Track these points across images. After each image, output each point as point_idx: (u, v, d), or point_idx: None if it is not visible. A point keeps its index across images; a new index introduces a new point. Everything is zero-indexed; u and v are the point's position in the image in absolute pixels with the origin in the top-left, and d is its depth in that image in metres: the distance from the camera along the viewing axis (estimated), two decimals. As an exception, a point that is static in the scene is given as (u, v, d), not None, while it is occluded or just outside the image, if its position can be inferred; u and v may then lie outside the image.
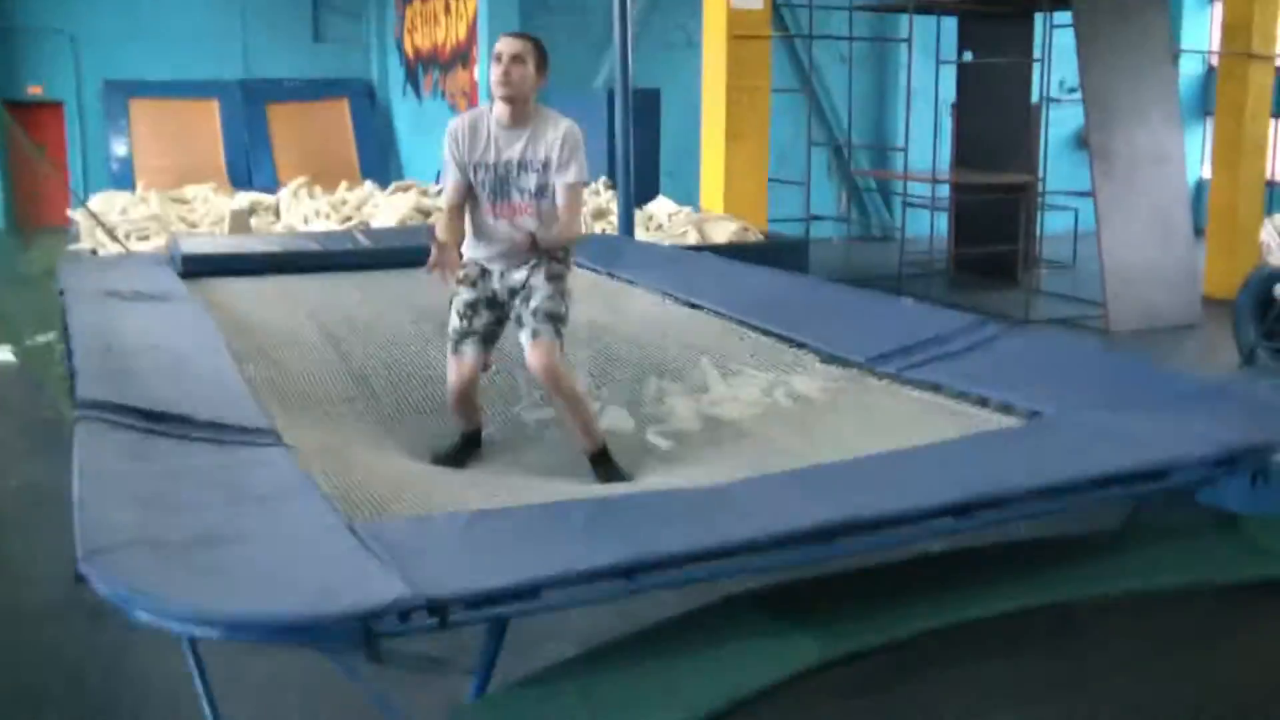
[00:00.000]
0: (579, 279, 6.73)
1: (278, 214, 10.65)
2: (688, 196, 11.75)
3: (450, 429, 4.39)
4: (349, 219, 9.48)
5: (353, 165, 18.09)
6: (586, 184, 4.62)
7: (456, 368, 4.27)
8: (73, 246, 8.62)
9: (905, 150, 10.99)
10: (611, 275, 6.66)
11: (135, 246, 8.61)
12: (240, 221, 8.56)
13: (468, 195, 4.24)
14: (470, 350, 4.24)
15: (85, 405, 3.40)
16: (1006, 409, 3.83)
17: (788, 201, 12.26)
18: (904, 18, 11.41)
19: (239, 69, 18.29)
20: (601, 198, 11.11)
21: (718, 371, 4.88)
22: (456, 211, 4.25)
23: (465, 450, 4.32)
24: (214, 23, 18.17)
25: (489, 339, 4.32)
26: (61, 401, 5.10)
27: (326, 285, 6.36)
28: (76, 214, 9.10)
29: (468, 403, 4.32)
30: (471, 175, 4.20)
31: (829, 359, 4.77)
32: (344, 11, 19.21)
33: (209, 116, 17.74)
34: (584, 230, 3.85)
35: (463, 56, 16.43)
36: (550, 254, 4.23)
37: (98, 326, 4.67)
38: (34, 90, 17.16)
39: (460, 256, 4.21)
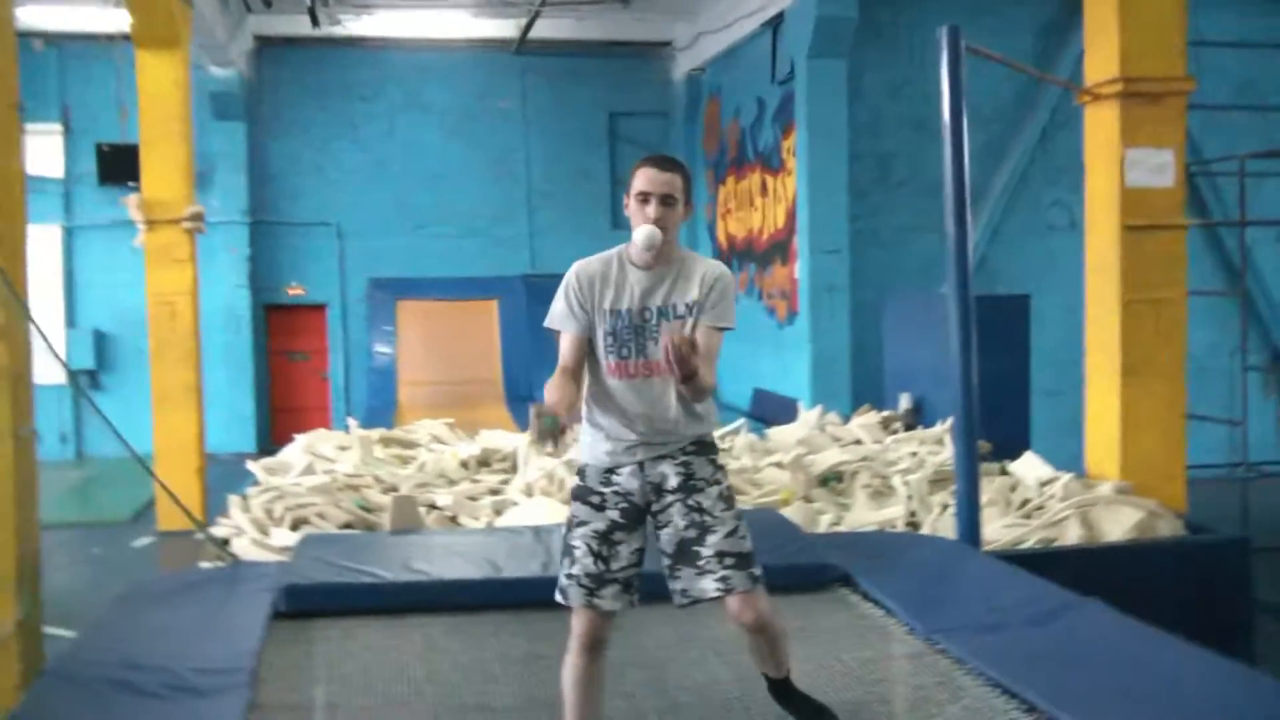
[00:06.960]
0: (863, 632, 4.22)
1: (515, 468, 7.98)
2: (1075, 431, 8.16)
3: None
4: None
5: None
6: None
7: (587, 623, 3.14)
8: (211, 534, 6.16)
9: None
10: (924, 638, 4.11)
11: (281, 540, 6.13)
12: (405, 512, 5.89)
13: (585, 358, 3.28)
14: (610, 600, 3.15)
15: None
16: None
17: (1206, 438, 8.64)
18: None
19: (524, 263, 16.38)
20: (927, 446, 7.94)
21: None
22: (571, 375, 3.22)
23: None
24: (495, 209, 16.41)
25: (636, 578, 3.20)
26: None
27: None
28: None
29: (592, 686, 3.19)
30: (597, 328, 3.24)
31: None
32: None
33: (487, 318, 15.81)
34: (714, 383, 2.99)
35: (781, 249, 13.67)
36: (703, 441, 3.26)
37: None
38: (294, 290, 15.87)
39: (563, 428, 3.01)
